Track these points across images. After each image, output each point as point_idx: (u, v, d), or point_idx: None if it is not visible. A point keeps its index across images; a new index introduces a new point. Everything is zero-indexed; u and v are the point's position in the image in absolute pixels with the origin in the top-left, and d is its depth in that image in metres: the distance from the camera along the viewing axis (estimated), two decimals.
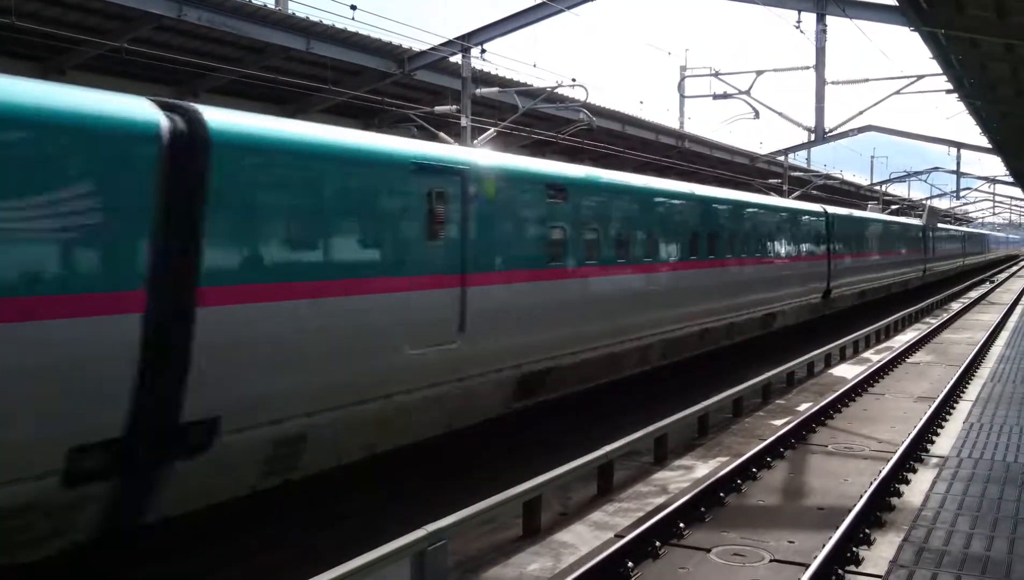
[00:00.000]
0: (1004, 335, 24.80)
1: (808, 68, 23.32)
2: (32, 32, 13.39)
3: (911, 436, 11.49)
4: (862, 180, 58.08)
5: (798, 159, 41.93)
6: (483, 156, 11.06)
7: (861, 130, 29.28)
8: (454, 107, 19.70)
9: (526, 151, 29.17)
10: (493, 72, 20.67)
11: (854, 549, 7.72)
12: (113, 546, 7.16)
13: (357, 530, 8.71)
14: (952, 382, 15.70)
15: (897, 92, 25.61)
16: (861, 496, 8.90)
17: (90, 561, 7.08)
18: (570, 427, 12.96)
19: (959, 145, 37.72)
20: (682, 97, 33.16)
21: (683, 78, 33.08)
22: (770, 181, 37.03)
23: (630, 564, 7.48)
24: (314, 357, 7.94)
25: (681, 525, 8.41)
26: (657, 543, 7.94)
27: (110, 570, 7.41)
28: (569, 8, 17.81)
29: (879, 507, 8.88)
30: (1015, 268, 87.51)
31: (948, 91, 21.25)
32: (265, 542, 8.51)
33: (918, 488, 9.54)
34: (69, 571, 6.87)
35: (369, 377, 8.63)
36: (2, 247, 5.74)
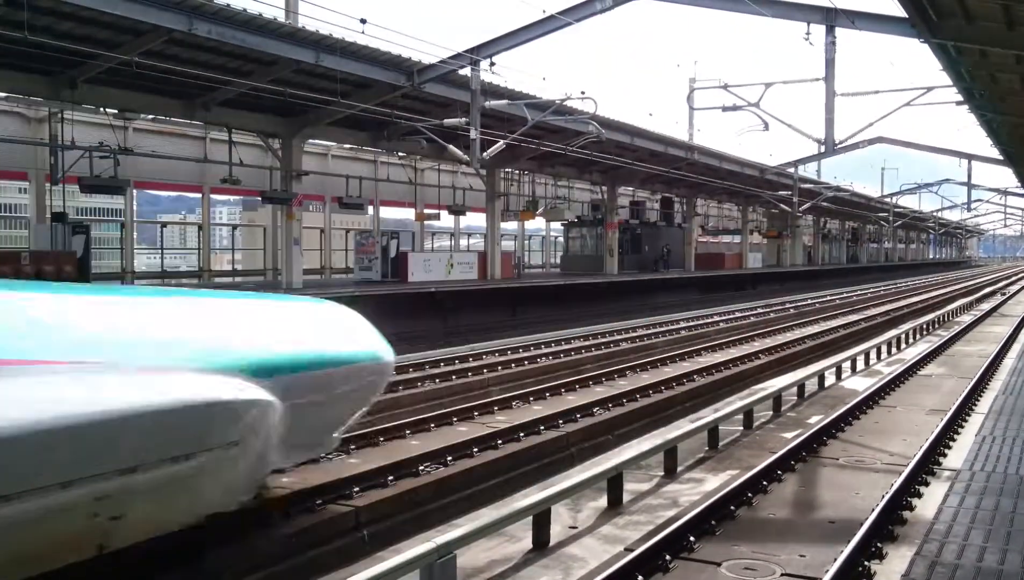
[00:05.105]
0: (1016, 347, 24.59)
1: (818, 80, 23.29)
2: (44, 46, 13.49)
3: (923, 449, 11.40)
4: (872, 192, 58.04)
5: (808, 171, 41.88)
6: None
7: (871, 142, 29.27)
8: (463, 119, 19.69)
9: (534, 163, 29.22)
10: (502, 84, 20.71)
11: (866, 563, 7.65)
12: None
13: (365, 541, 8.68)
14: (964, 394, 15.58)
15: (907, 104, 25.56)
16: (873, 509, 8.82)
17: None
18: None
19: (969, 157, 37.64)
20: (691, 109, 33.25)
21: (692, 90, 33.14)
22: (780, 193, 36.99)
23: (640, 578, 7.43)
24: None
25: (692, 539, 8.34)
26: (667, 557, 7.87)
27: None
28: (578, 21, 17.83)
29: (891, 521, 8.80)
30: None
31: (958, 103, 21.21)
32: (273, 553, 8.48)
33: (931, 501, 9.45)
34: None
35: None
36: None
